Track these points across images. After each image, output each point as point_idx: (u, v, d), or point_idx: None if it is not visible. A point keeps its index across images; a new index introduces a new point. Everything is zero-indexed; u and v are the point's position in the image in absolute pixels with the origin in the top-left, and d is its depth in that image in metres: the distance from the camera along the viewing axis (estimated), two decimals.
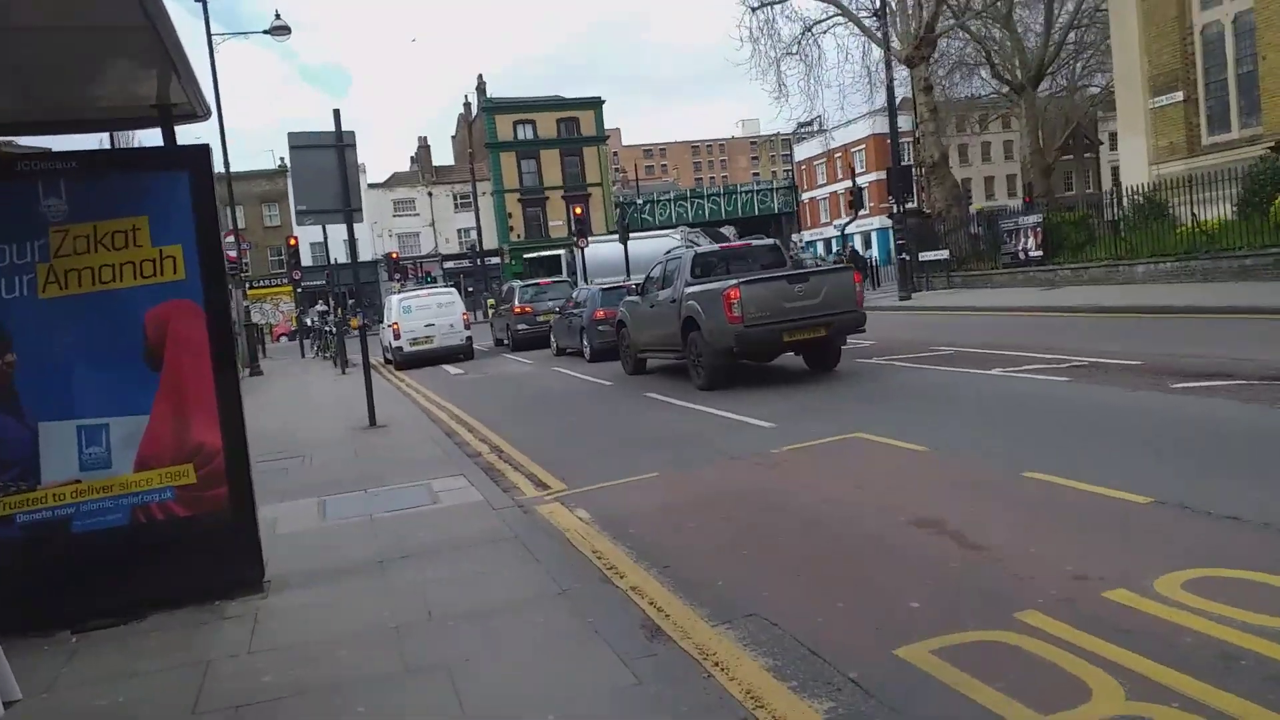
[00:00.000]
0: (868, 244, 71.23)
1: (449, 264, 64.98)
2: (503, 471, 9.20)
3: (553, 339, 22.89)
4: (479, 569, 5.64)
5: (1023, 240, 26.76)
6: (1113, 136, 51.63)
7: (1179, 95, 26.82)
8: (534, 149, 67.13)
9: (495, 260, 62.78)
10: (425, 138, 72.63)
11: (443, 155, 76.91)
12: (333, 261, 34.81)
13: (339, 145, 12.06)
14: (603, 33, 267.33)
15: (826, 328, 12.31)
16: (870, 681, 3.83)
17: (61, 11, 4.32)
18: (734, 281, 12.26)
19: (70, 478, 5.14)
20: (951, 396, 10.40)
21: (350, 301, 28.16)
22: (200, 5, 24.50)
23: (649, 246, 36.39)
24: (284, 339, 53.25)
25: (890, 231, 70.38)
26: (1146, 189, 24.89)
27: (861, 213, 43.14)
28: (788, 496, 6.93)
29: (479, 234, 56.90)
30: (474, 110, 69.25)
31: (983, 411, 9.36)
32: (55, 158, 5.27)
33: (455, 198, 66.94)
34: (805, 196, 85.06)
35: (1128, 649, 3.86)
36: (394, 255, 53.73)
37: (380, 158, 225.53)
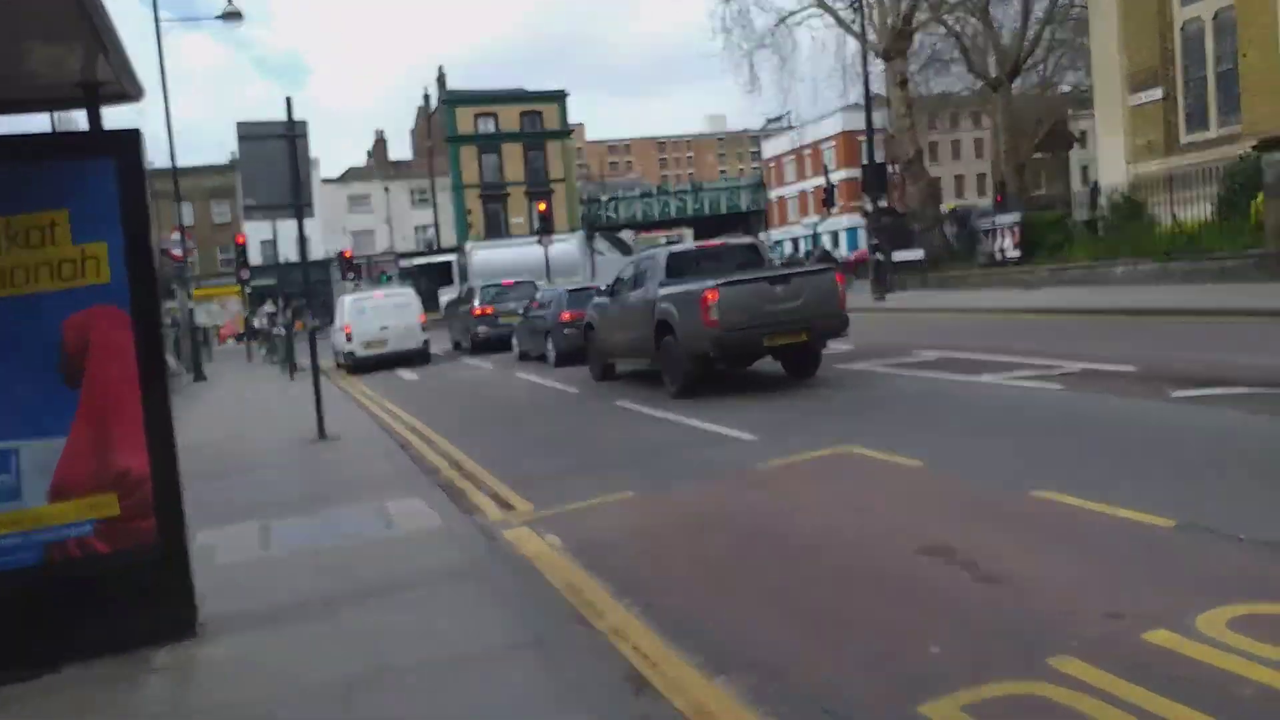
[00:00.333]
0: (836, 243, 71.05)
1: (404, 262, 63.41)
2: (463, 490, 8.58)
3: (515, 342, 22.14)
4: (439, 611, 5.04)
5: (1000, 240, 26.51)
6: (1083, 135, 51.95)
7: (1158, 93, 26.63)
8: (495, 143, 65.87)
9: (450, 259, 61.50)
10: (382, 131, 71.37)
11: (401, 150, 75.73)
12: (282, 260, 33.74)
13: (290, 135, 11.39)
14: (566, 24, 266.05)
15: (808, 332, 11.81)
16: None
17: None
18: (712, 283, 11.72)
19: None
20: (942, 405, 9.94)
21: (299, 303, 27.32)
22: None
23: (540, 252, 35.99)
24: (231, 341, 51.80)
25: (860, 230, 70.79)
26: (1125, 188, 24.71)
27: (832, 211, 42.91)
28: (778, 520, 6.40)
29: (437, 231, 55.80)
30: (434, 103, 67.92)
31: (977, 422, 8.90)
32: None
33: (413, 194, 65.58)
34: (774, 194, 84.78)
35: (1183, 703, 3.42)
36: (347, 253, 52.56)
37: (337, 153, 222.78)
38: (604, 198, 73.67)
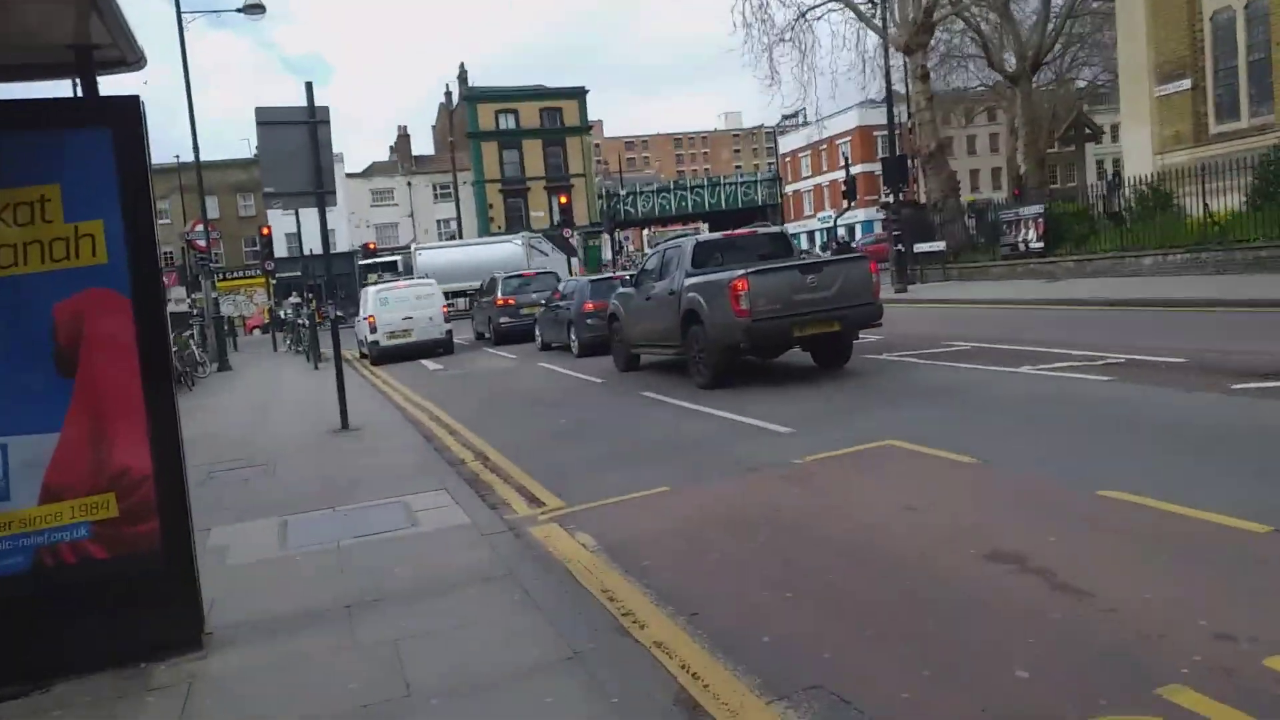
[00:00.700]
0: (852, 236, 70.35)
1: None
2: (489, 484, 8.20)
3: (538, 333, 21.85)
4: (468, 619, 4.63)
5: (1023, 231, 25.94)
6: (1113, 128, 50.95)
7: (1187, 83, 26.02)
8: (516, 139, 65.87)
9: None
10: (405, 127, 71.58)
11: (423, 145, 75.57)
12: (307, 252, 33.64)
13: (311, 121, 11.03)
14: (584, 23, 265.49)
15: (841, 322, 11.35)
16: None
17: None
18: (741, 271, 11.27)
19: None
20: (983, 397, 9.47)
21: (308, 295, 27.16)
22: None
23: (489, 252, 35.64)
24: (257, 331, 51.82)
25: (875, 224, 70.07)
26: (1151, 179, 24.12)
27: (841, 206, 42.24)
28: (826, 519, 5.96)
29: (459, 225, 55.73)
30: (455, 99, 67.87)
31: (1024, 415, 8.43)
32: None
33: (435, 188, 65.61)
34: (790, 189, 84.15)
35: None
36: (371, 245, 52.44)
37: (360, 149, 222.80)
38: (622, 192, 73.28)
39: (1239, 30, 25.13)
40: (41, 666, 4.24)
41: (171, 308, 32.76)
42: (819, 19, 33.00)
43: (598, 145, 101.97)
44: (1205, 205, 20.76)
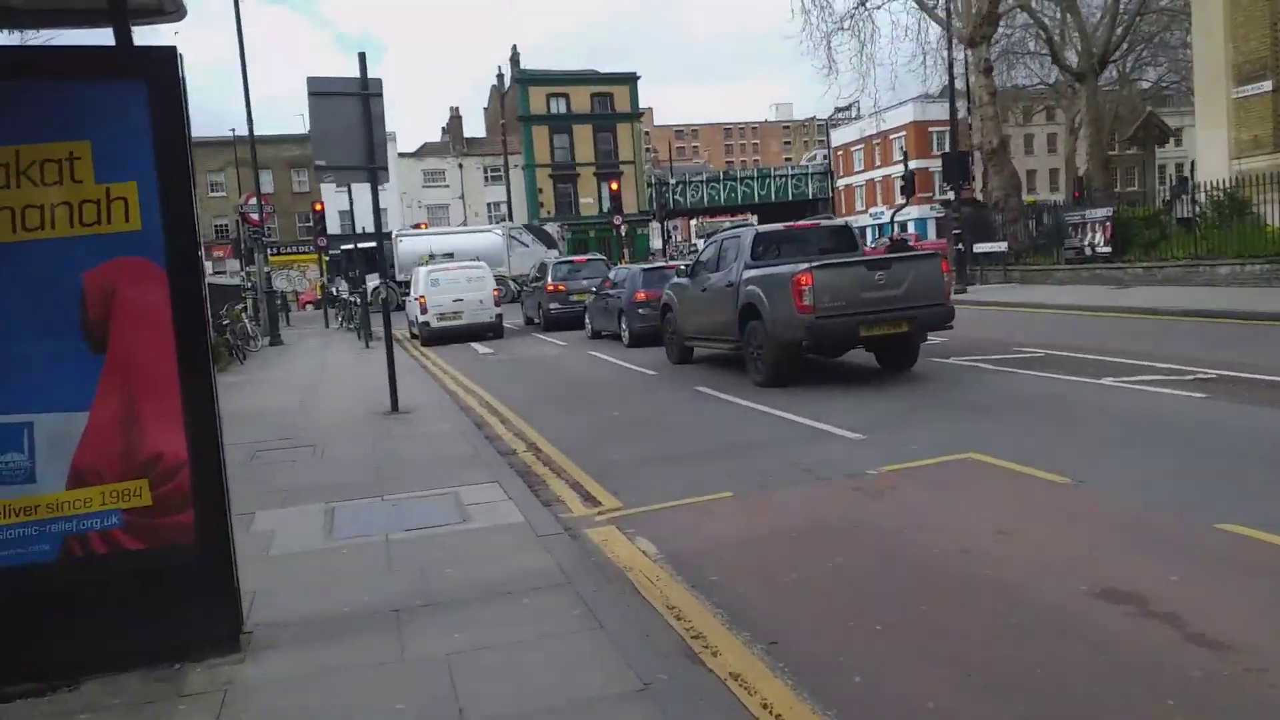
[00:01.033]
0: (905, 233, 69.25)
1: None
2: (542, 478, 7.81)
3: (587, 320, 21.48)
4: (525, 635, 4.22)
5: (1089, 235, 25.02)
6: (1179, 130, 49.52)
7: (1267, 85, 24.90)
8: (566, 123, 65.52)
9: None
10: (457, 108, 71.20)
11: (475, 128, 75.51)
12: (359, 230, 33.53)
13: (364, 94, 10.67)
14: (636, 10, 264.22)
15: (909, 322, 10.80)
16: None
17: None
18: (805, 265, 10.76)
19: None
20: (1066, 410, 8.88)
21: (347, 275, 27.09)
22: None
23: (467, 242, 35.05)
24: (309, 307, 52.11)
25: (929, 221, 68.85)
26: (1227, 185, 23.13)
27: (899, 202, 41.32)
28: (909, 540, 5.47)
29: (509, 208, 55.51)
30: (507, 82, 67.71)
31: (1114, 432, 7.84)
32: None
33: (486, 170, 65.60)
34: (841, 183, 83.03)
35: None
36: (422, 226, 52.40)
37: (412, 130, 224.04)
38: (671, 181, 72.76)
39: None
40: (70, 662, 3.91)
41: (224, 280, 32.92)
42: (879, 8, 32.51)
43: (647, 133, 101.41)
44: None
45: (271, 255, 38.38)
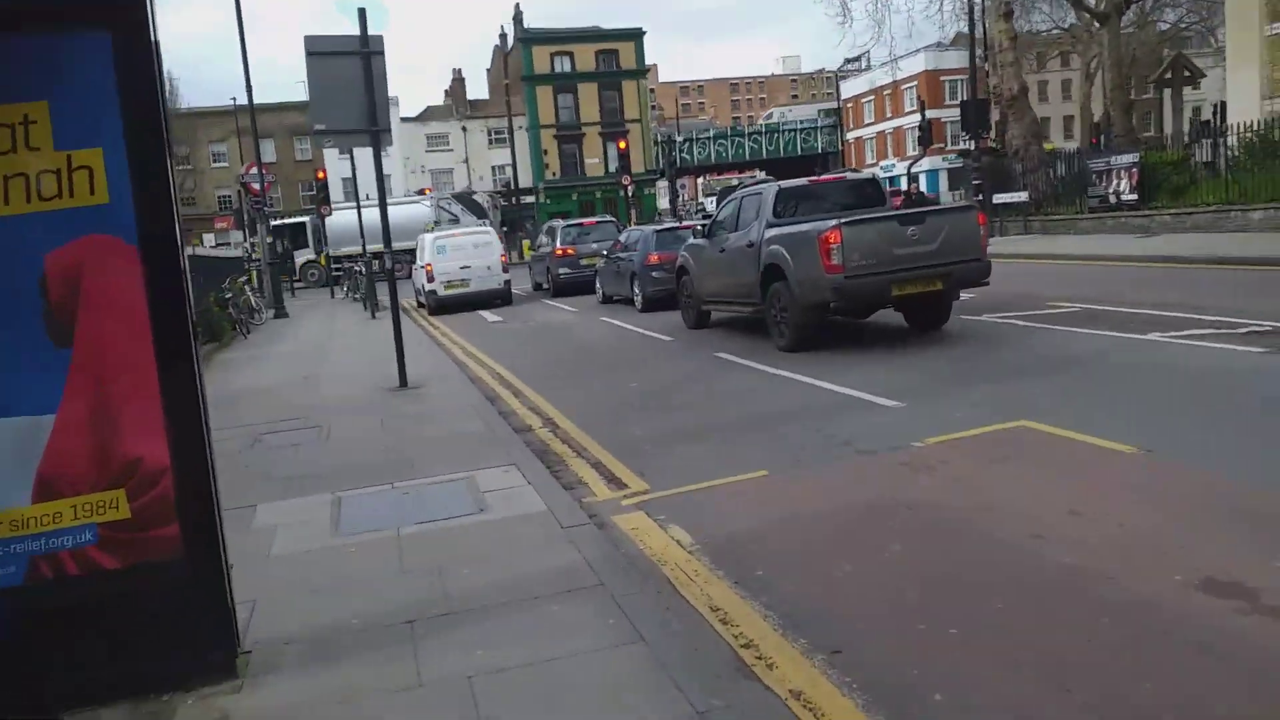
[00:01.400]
0: (916, 184, 68.18)
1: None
2: (561, 457, 7.34)
3: (598, 285, 20.95)
4: (555, 649, 3.75)
5: (1114, 182, 24.28)
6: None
7: None
8: (571, 83, 64.36)
9: (530, 199, 60.54)
10: (460, 70, 69.98)
11: (479, 90, 74.35)
12: (363, 197, 32.95)
13: (364, 52, 10.08)
14: None
15: (944, 279, 10.25)
16: None
17: None
18: (834, 222, 10.19)
19: None
20: (1115, 370, 8.35)
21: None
22: None
23: (392, 213, 34.24)
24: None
25: (941, 173, 67.73)
26: (1259, 126, 22.32)
27: (913, 153, 40.45)
28: (973, 524, 4.98)
29: (514, 171, 54.72)
30: (510, 42, 66.52)
31: (1174, 393, 7.32)
32: None
33: (490, 133, 64.65)
34: (850, 136, 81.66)
35: None
36: (426, 191, 51.70)
37: (415, 95, 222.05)
38: (679, 138, 71.68)
39: None
40: (46, 696, 3.47)
41: (226, 252, 32.44)
42: None
43: (652, 91, 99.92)
44: None
45: (273, 224, 37.90)
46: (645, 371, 11.10)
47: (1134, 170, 23.71)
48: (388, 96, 10.32)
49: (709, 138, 75.03)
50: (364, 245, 23.76)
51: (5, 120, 3.24)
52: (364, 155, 16.21)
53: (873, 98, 79.25)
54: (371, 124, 10.13)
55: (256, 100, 25.26)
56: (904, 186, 46.02)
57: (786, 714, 3.26)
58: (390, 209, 10.59)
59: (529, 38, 64.09)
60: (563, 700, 3.37)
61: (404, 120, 60.81)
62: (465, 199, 44.77)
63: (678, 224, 21.32)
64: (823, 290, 10.23)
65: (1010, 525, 4.86)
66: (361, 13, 10.42)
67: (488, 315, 20.32)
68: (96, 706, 3.50)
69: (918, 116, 59.97)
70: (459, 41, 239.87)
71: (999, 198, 27.42)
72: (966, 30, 29.96)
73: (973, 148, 27.46)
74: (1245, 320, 9.66)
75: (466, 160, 64.36)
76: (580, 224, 24.74)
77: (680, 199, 79.26)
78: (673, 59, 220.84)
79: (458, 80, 70.00)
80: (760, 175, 69.44)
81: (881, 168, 74.87)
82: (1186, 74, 27.35)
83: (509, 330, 17.34)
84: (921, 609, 4.01)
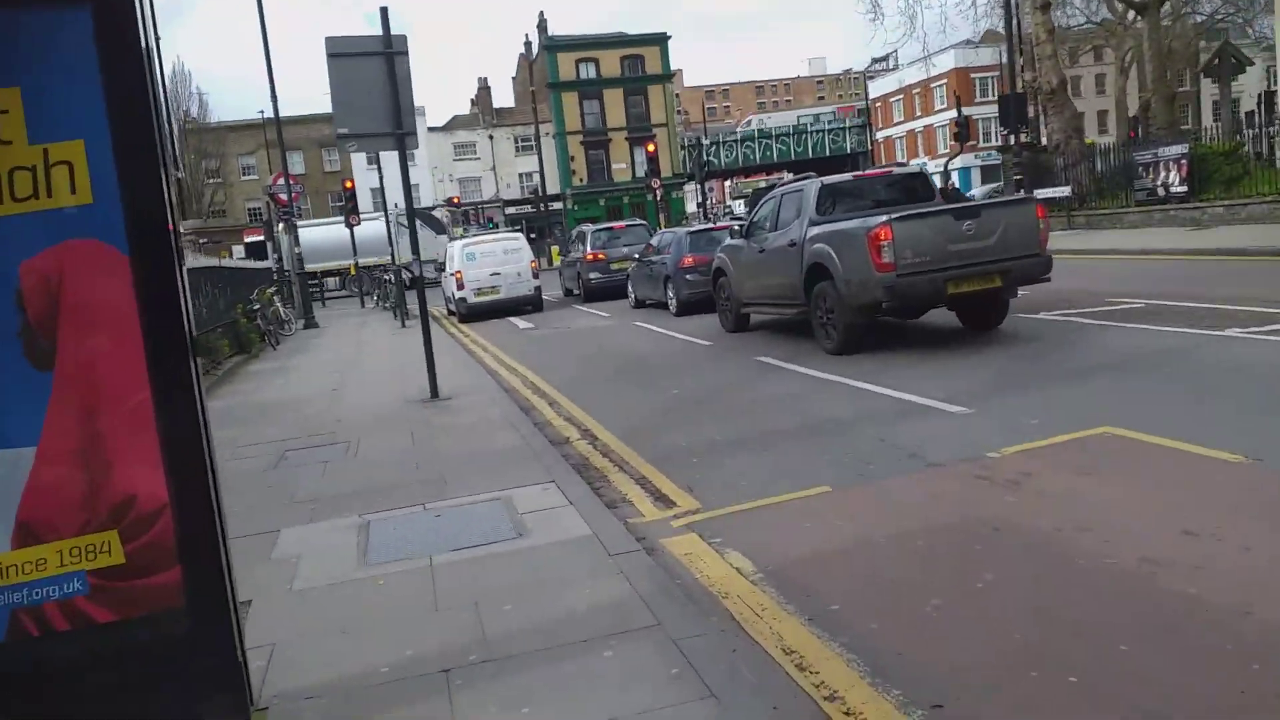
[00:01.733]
0: (949, 182, 67.22)
1: (510, 210, 62.96)
2: (603, 472, 6.87)
3: (630, 289, 20.49)
4: (611, 708, 3.24)
5: (1163, 174, 23.49)
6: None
7: None
8: (597, 88, 64.16)
9: (558, 205, 60.30)
10: (485, 78, 70.39)
11: (503, 98, 74.37)
12: (391, 207, 32.72)
13: (387, 52, 9.69)
14: None
15: (1003, 275, 9.68)
16: None
17: None
18: (884, 218, 9.65)
19: None
20: (1198, 370, 7.76)
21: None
22: None
23: (363, 231, 34.44)
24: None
25: (974, 170, 66.75)
26: None
27: (946, 151, 39.67)
28: (1071, 547, 4.43)
29: (541, 178, 54.49)
30: (535, 49, 66.41)
31: (1271, 394, 6.72)
32: None
33: (516, 140, 64.58)
34: (880, 135, 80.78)
35: None
36: (455, 200, 51.57)
37: (441, 105, 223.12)
38: (706, 141, 71.19)
39: None
40: None
41: (254, 264, 32.31)
42: None
43: (678, 95, 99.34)
44: None
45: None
46: (685, 378, 10.61)
47: (1183, 162, 22.93)
48: (412, 98, 9.91)
49: (735, 140, 74.63)
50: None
51: None
52: (391, 164, 15.87)
53: (901, 97, 78.44)
54: (396, 126, 9.73)
55: (283, 113, 25.05)
56: (939, 184, 45.17)
57: None
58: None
59: (554, 45, 63.98)
60: None
61: (431, 130, 60.86)
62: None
63: (712, 225, 20.84)
64: (873, 290, 9.70)
65: (1116, 550, 4.31)
66: (384, 11, 10.05)
67: (519, 322, 19.92)
68: None
69: (948, 115, 59.17)
70: (483, 50, 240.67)
71: (1040, 193, 26.54)
72: (999, 25, 29.28)
73: (1011, 143, 26.69)
74: None
75: (494, 168, 64.30)
76: (610, 228, 24.33)
77: (709, 201, 78.81)
78: (697, 62, 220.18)
79: (483, 89, 70.10)
80: (788, 177, 68.92)
81: (914, 166, 73.99)
82: (1235, 63, 26.46)
83: (541, 337, 16.92)
84: (1031, 652, 3.48)
